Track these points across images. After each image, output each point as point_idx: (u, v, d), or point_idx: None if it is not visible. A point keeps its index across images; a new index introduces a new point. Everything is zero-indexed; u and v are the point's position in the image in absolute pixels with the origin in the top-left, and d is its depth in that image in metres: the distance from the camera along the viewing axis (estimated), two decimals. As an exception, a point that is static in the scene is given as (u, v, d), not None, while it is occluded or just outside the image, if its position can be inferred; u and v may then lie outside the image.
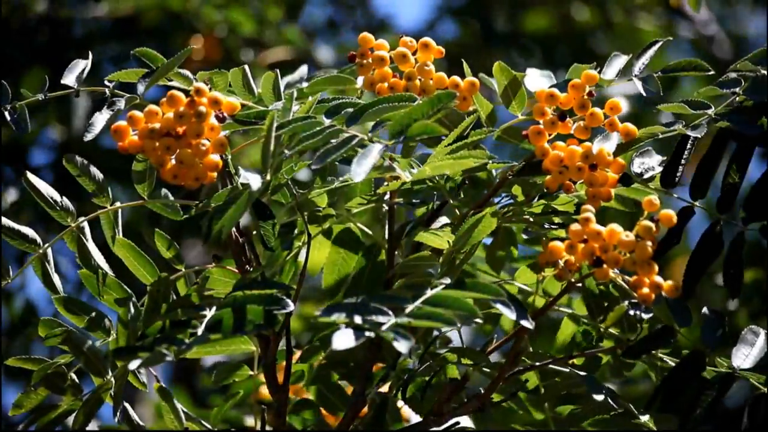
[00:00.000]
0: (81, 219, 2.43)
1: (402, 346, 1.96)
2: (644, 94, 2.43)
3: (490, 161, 2.31)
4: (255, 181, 2.13)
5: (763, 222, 2.35)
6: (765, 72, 2.39)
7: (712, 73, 2.43)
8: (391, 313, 2.01)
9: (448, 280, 2.12)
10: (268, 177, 2.17)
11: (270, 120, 2.16)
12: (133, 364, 2.10)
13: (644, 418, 2.46)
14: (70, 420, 2.35)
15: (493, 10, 6.53)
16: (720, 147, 2.39)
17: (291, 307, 2.14)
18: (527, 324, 2.15)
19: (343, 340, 1.96)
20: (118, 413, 2.29)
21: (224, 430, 2.95)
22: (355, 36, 5.87)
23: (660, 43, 2.49)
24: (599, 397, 2.39)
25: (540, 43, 6.33)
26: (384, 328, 1.98)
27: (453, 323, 2.02)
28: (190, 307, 2.23)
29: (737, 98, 2.38)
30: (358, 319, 1.99)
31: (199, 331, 2.14)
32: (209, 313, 2.17)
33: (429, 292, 2.07)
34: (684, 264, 2.36)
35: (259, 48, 5.30)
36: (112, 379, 2.30)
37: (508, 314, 2.10)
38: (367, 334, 1.98)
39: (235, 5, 5.27)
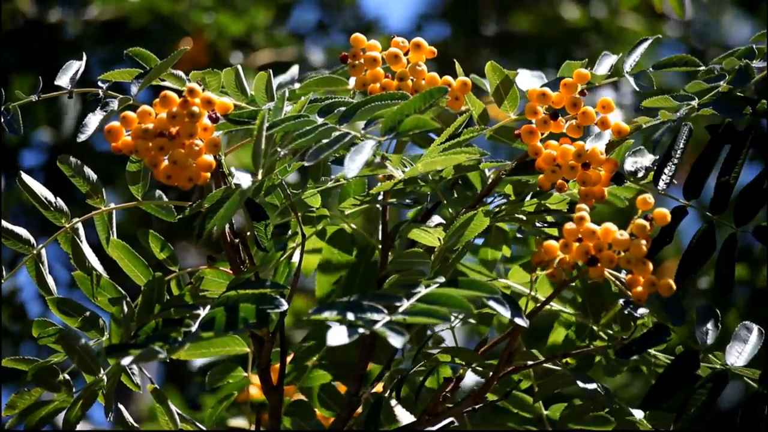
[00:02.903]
0: (75, 220, 2.42)
1: (396, 340, 1.95)
2: (637, 89, 2.43)
3: (483, 159, 2.31)
4: (245, 180, 2.13)
5: (757, 224, 2.36)
6: (748, 62, 2.40)
7: (702, 68, 2.44)
8: (385, 310, 2.01)
9: (442, 279, 2.12)
10: (260, 176, 2.16)
11: (260, 119, 2.16)
12: (126, 361, 2.08)
13: (639, 416, 2.47)
14: (60, 419, 2.34)
15: (481, 12, 6.53)
16: (715, 148, 2.39)
17: (284, 306, 2.14)
18: (521, 322, 2.14)
19: (337, 336, 1.96)
20: (110, 413, 2.28)
21: (219, 431, 2.95)
22: (345, 38, 5.90)
23: (650, 41, 2.49)
24: (591, 386, 2.38)
25: (529, 43, 6.33)
26: (378, 325, 1.98)
27: (448, 320, 2.02)
28: (184, 307, 2.23)
29: (720, 90, 2.39)
30: (351, 317, 1.99)
31: (192, 330, 2.14)
32: (203, 312, 2.17)
33: (423, 290, 2.07)
34: (675, 267, 2.37)
35: (248, 51, 5.30)
36: (105, 377, 2.29)
37: (503, 312, 2.10)
38: (361, 330, 1.97)
39: (223, 8, 5.26)
